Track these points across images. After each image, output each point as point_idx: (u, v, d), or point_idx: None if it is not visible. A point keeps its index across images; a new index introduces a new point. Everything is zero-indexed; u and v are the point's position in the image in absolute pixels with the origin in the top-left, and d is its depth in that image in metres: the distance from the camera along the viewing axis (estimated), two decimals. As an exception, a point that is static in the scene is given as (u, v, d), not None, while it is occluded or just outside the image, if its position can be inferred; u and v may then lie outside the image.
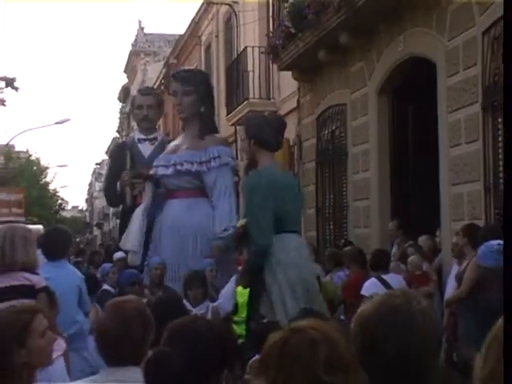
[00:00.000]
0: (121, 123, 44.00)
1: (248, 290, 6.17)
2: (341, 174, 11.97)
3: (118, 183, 10.68)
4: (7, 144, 35.15)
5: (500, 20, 7.50)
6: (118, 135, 46.17)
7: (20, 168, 39.88)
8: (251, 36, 16.62)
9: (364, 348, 1.85)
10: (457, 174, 8.36)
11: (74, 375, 4.55)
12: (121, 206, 11.61)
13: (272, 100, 15.75)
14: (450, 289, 7.17)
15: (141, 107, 11.18)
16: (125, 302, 3.28)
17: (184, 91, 9.78)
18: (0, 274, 4.97)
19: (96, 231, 68.60)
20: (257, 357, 2.95)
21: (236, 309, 6.88)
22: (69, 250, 7.08)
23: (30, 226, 8.69)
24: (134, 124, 25.84)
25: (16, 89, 17.74)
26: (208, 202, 9.28)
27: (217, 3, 19.78)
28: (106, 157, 59.66)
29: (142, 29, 38.66)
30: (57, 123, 32.10)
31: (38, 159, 45.25)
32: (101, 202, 61.97)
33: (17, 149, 44.07)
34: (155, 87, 24.31)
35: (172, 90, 10.32)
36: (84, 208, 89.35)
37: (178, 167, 9.41)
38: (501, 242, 5.12)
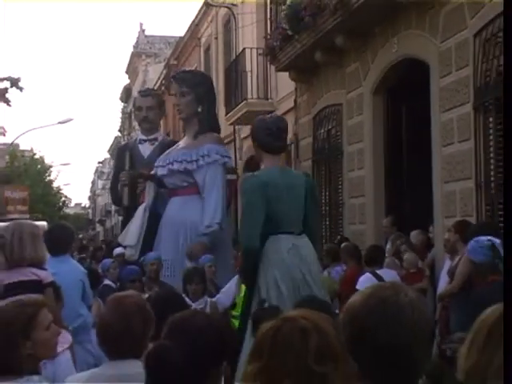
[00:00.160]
0: (122, 123, 43.97)
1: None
2: (336, 172, 11.97)
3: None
4: (12, 143, 35.13)
5: (491, 23, 7.52)
6: (119, 134, 46.14)
7: (24, 166, 39.86)
8: (249, 38, 16.62)
9: (353, 338, 1.85)
10: (449, 172, 8.37)
11: (78, 367, 4.57)
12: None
13: (270, 100, 15.75)
14: (443, 283, 7.19)
15: (140, 109, 11.18)
16: (125, 297, 3.28)
17: (182, 92, 9.79)
18: (9, 269, 4.97)
19: (98, 228, 68.61)
20: None
21: (234, 304, 6.88)
22: (72, 245, 7.09)
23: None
24: (135, 124, 25.85)
25: (21, 89, 17.66)
26: (201, 199, 9.31)
27: (216, 6, 19.77)
28: (108, 155, 59.67)
29: (144, 31, 38.63)
30: (60, 123, 32.06)
31: (41, 158, 45.23)
32: (103, 200, 62.00)
33: (21, 148, 44.03)
34: (156, 88, 24.29)
35: (173, 91, 10.36)
36: (87, 205, 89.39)
37: (170, 167, 9.44)
38: (490, 238, 5.13)
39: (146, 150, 10.89)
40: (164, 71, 27.08)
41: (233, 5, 18.42)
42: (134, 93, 31.71)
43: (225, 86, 17.43)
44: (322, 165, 12.58)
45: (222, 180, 9.32)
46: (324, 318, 1.85)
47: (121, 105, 44.58)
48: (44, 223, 16.79)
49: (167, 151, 9.89)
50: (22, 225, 5.25)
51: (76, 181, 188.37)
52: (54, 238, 6.27)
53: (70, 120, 32.29)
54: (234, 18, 18.37)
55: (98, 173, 70.67)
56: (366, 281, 7.25)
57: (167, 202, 9.74)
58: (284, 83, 14.18)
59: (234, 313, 6.74)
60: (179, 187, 9.63)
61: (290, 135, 13.53)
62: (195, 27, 23.04)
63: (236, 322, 6.25)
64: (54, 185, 47.28)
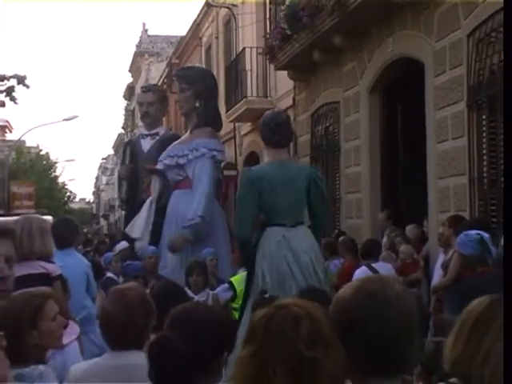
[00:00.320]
0: (126, 120, 43.93)
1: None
2: (334, 168, 11.97)
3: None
4: (18, 140, 35.14)
5: (484, 23, 7.52)
6: (123, 131, 46.12)
7: (31, 162, 39.90)
8: (249, 37, 16.60)
9: (342, 330, 1.86)
10: (443, 168, 8.38)
11: (83, 357, 4.57)
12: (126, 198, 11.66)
13: (269, 98, 15.73)
14: (437, 276, 7.19)
15: (141, 104, 11.18)
16: (127, 289, 3.28)
17: (181, 88, 9.79)
18: (18, 262, 4.97)
19: (102, 222, 68.57)
20: None
21: (235, 296, 6.89)
22: (76, 239, 7.09)
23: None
24: (138, 121, 25.83)
25: (27, 86, 17.61)
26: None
27: (217, 6, 19.75)
28: (111, 152, 59.64)
29: (146, 31, 38.59)
30: (65, 120, 32.05)
31: (47, 154, 45.25)
32: (107, 195, 61.97)
33: (27, 144, 44.12)
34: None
35: (174, 89, 10.35)
36: (91, 200, 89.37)
37: (164, 161, 9.44)
38: (480, 232, 5.15)
39: (146, 144, 10.90)
40: (166, 70, 27.05)
41: (233, 5, 18.41)
42: (137, 91, 31.70)
43: (225, 84, 17.42)
44: (319, 161, 12.58)
45: (210, 173, 9.21)
46: (316, 306, 1.86)
47: (124, 102, 44.54)
48: (49, 218, 16.79)
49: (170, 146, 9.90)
50: (30, 219, 5.25)
51: (81, 176, 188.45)
52: (60, 231, 6.27)
53: (75, 117, 32.29)
54: (235, 18, 18.35)
55: (102, 168, 70.66)
56: (361, 273, 7.26)
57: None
58: (283, 82, 14.16)
59: (234, 305, 6.75)
60: (176, 181, 9.64)
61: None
62: (196, 27, 23.02)
63: (236, 314, 6.27)
64: (60, 180, 47.34)
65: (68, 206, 51.04)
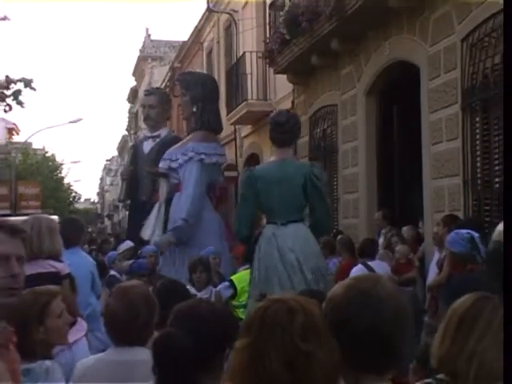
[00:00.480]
0: (129, 122, 43.92)
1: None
2: (332, 169, 11.98)
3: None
4: (25, 142, 35.14)
5: (477, 28, 7.53)
6: (127, 134, 46.10)
7: (37, 164, 39.87)
8: (249, 42, 16.60)
9: (334, 326, 1.86)
10: (438, 169, 8.38)
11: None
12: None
13: (268, 101, 15.73)
14: (432, 274, 7.19)
15: (144, 107, 11.17)
16: (130, 287, 3.28)
17: (181, 93, 9.76)
18: (28, 261, 4.96)
19: (107, 222, 68.51)
20: None
21: (235, 294, 6.89)
22: (82, 238, 7.10)
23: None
24: (141, 123, 25.83)
25: (34, 89, 17.56)
26: None
27: (218, 12, 19.76)
28: (115, 153, 59.61)
29: (149, 36, 38.57)
30: (71, 122, 32.04)
31: (53, 156, 45.20)
32: (111, 195, 61.94)
33: (34, 146, 44.09)
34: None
35: (176, 92, 10.32)
36: (96, 200, 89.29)
37: (160, 165, 9.41)
38: (470, 231, 5.16)
39: (148, 146, 10.87)
40: (169, 73, 27.05)
41: (234, 11, 18.41)
42: (141, 94, 31.69)
43: (226, 87, 17.42)
44: (317, 162, 12.56)
45: (196, 176, 9.10)
46: (311, 301, 1.87)
47: (128, 105, 44.56)
48: (56, 217, 16.79)
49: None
50: (40, 219, 5.25)
51: (85, 177, 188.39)
52: (65, 231, 6.25)
53: (80, 120, 32.34)
54: (235, 23, 18.36)
55: (106, 170, 70.63)
56: (358, 271, 7.26)
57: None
58: (282, 85, 14.17)
59: (235, 302, 6.75)
60: (174, 184, 9.63)
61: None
62: (198, 32, 23.02)
63: (237, 312, 6.28)
64: (65, 181, 47.28)
65: (73, 206, 50.96)
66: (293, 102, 13.67)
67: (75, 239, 6.33)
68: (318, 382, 1.74)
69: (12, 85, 17.54)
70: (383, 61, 9.92)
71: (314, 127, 12.60)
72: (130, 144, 39.38)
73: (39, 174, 37.84)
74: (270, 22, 14.59)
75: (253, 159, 17.34)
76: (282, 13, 12.14)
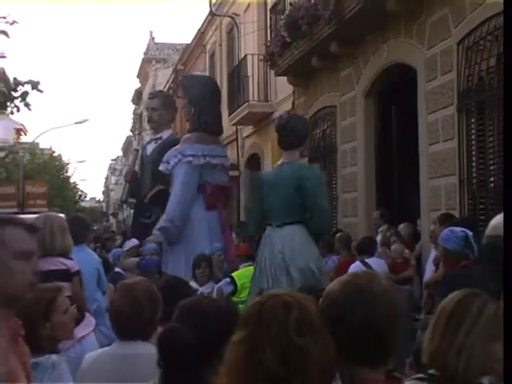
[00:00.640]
0: (134, 123, 43.94)
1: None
2: (331, 169, 11.98)
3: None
4: (33, 142, 35.15)
5: (473, 32, 7.54)
6: (131, 134, 46.13)
7: (44, 164, 39.86)
8: (251, 45, 16.61)
9: (331, 322, 1.87)
10: (434, 168, 8.38)
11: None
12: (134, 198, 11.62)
13: (269, 102, 15.75)
14: (429, 272, 7.19)
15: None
16: (135, 284, 3.29)
17: (182, 96, 9.72)
18: (40, 258, 4.97)
19: (112, 220, 68.56)
20: None
21: (235, 290, 6.89)
22: (87, 236, 7.10)
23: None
24: (145, 124, 25.82)
25: (41, 91, 17.55)
26: None
27: (220, 16, 19.77)
28: (120, 153, 59.64)
29: (153, 38, 38.59)
30: (77, 123, 32.02)
31: (59, 155, 45.19)
32: (116, 194, 61.94)
33: (41, 146, 44.08)
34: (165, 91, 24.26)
35: (180, 94, 10.24)
36: (101, 199, 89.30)
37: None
38: (465, 230, 5.16)
39: (150, 148, 10.82)
40: (172, 75, 27.07)
41: (236, 14, 18.43)
42: (145, 96, 31.69)
43: (228, 89, 17.43)
44: (317, 162, 12.56)
45: (182, 178, 8.96)
46: (307, 297, 1.88)
47: (132, 107, 44.58)
48: (62, 216, 16.77)
49: None
50: (51, 217, 5.27)
51: (91, 177, 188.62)
52: (72, 229, 6.28)
53: (86, 120, 32.29)
54: (237, 26, 18.37)
55: (111, 169, 70.67)
56: (355, 268, 7.24)
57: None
58: (283, 86, 14.18)
59: (235, 299, 6.76)
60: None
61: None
62: (201, 35, 23.03)
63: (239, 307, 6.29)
64: (71, 180, 47.25)
65: (79, 204, 50.96)
66: (293, 104, 13.68)
67: (82, 237, 6.33)
68: (312, 376, 1.74)
69: (20, 87, 17.55)
70: (381, 63, 9.92)
71: (314, 128, 12.59)
72: (135, 144, 39.52)
73: (46, 173, 37.83)
74: (271, 25, 14.60)
75: (254, 159, 17.36)
76: (282, 16, 12.16)
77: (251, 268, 6.70)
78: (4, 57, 22.41)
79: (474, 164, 7.69)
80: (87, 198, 67.17)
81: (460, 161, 7.81)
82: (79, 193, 51.37)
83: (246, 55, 16.01)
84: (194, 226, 8.97)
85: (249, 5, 17.28)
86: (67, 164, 45.18)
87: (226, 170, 9.58)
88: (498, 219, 2.44)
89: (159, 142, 10.67)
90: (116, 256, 9.42)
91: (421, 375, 2.37)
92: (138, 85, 41.42)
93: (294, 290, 2.36)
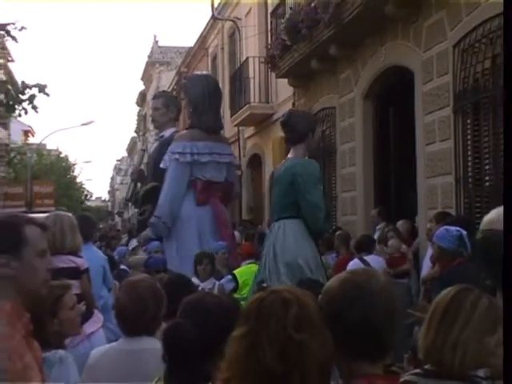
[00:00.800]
0: (138, 124, 43.93)
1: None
2: (330, 169, 11.98)
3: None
4: (40, 143, 35.19)
5: (468, 35, 7.53)
6: (135, 135, 46.13)
7: (51, 164, 39.93)
8: (252, 48, 16.61)
9: (329, 318, 1.87)
10: (431, 168, 8.38)
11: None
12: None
13: (270, 104, 15.75)
14: (426, 268, 7.19)
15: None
16: (139, 281, 3.30)
17: (183, 97, 9.71)
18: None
19: (117, 219, 68.55)
20: None
21: (237, 287, 6.89)
22: (94, 234, 7.10)
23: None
24: (149, 125, 25.84)
25: (47, 94, 17.60)
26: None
27: (222, 19, 19.77)
28: (125, 154, 59.62)
29: (157, 42, 38.57)
30: (83, 124, 32.09)
31: (66, 156, 45.27)
32: (121, 193, 61.93)
33: (48, 147, 44.10)
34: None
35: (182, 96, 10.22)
36: (106, 198, 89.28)
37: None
38: (459, 229, 5.16)
39: (152, 147, 10.86)
40: (175, 78, 27.08)
41: (237, 18, 18.43)
42: (149, 98, 31.71)
43: (230, 91, 17.44)
44: (317, 162, 12.56)
45: (171, 175, 8.89)
46: (307, 293, 1.87)
47: (137, 108, 44.56)
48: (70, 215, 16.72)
49: None
50: (61, 216, 5.27)
51: (97, 177, 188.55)
52: (78, 227, 6.28)
53: (92, 122, 32.33)
54: (239, 30, 18.37)
55: (117, 169, 70.67)
56: (354, 266, 7.26)
57: None
58: (283, 88, 14.18)
59: (236, 295, 6.76)
60: None
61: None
62: (203, 38, 23.04)
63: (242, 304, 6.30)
64: (77, 180, 47.30)
65: (85, 204, 50.98)
66: (293, 105, 13.67)
67: (88, 235, 6.34)
68: (311, 372, 1.74)
69: (27, 90, 17.58)
70: (379, 66, 9.92)
71: (314, 128, 12.58)
72: (139, 145, 39.52)
73: (53, 173, 37.90)
74: (271, 28, 14.58)
75: (255, 159, 17.38)
76: (283, 20, 12.15)
77: (253, 266, 6.72)
78: (13, 61, 22.41)
79: (469, 163, 7.69)
80: (93, 198, 67.23)
81: (456, 160, 7.81)
82: (85, 192, 51.43)
83: (247, 58, 16.01)
84: (183, 222, 8.88)
85: (250, 9, 17.29)
86: (74, 164, 45.25)
87: (222, 167, 9.34)
88: (492, 214, 2.43)
89: (160, 140, 10.66)
90: (121, 254, 9.44)
91: (417, 370, 2.37)
92: (142, 87, 41.42)
93: (293, 285, 2.36)
